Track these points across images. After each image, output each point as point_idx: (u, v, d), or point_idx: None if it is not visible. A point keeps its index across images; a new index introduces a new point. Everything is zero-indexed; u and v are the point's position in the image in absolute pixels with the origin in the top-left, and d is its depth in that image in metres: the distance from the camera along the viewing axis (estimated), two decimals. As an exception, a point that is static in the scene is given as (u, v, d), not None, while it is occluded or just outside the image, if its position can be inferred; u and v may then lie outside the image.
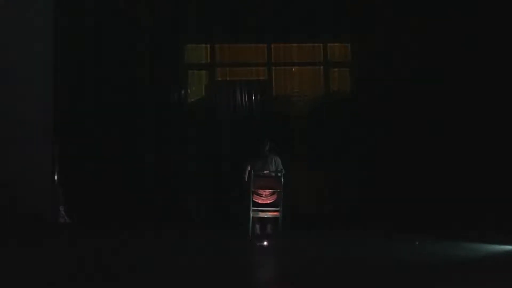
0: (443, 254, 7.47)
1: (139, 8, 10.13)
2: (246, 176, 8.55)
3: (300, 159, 10.05)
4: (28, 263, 6.94)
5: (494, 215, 8.77)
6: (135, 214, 9.54)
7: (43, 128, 9.35)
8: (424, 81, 9.79)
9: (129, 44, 10.08)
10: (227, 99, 10.46)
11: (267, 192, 8.53)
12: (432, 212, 9.24)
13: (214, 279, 6.33)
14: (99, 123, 9.84)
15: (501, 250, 7.62)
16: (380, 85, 10.09)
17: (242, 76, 10.77)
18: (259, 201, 8.47)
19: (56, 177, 9.58)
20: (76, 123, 9.81)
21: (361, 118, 10.11)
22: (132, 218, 9.41)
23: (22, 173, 8.95)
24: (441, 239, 8.28)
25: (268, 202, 8.50)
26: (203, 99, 10.59)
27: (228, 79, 10.68)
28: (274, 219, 8.45)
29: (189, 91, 10.53)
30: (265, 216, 8.49)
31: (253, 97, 10.47)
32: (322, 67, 10.63)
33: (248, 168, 8.55)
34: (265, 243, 8.31)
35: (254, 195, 8.44)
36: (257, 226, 8.61)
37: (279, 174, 8.46)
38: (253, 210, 8.35)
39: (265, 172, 8.61)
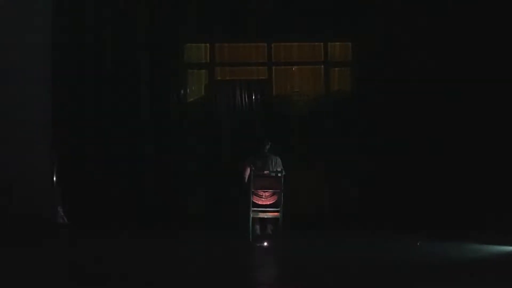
0: (443, 255, 7.48)
1: (139, 8, 10.11)
2: (246, 176, 8.53)
3: (300, 159, 10.02)
4: (24, 263, 6.94)
5: (495, 215, 8.75)
6: (135, 214, 9.54)
7: (42, 128, 9.32)
8: (425, 80, 9.76)
9: (128, 44, 10.05)
10: (227, 99, 10.44)
11: (267, 193, 8.51)
12: (433, 212, 9.22)
13: (214, 279, 6.33)
14: (99, 123, 9.82)
15: (502, 251, 7.60)
16: (381, 84, 10.06)
17: (242, 75, 10.74)
18: (259, 202, 8.46)
19: (55, 178, 9.56)
20: (75, 123, 9.78)
21: (361, 118, 10.08)
22: (132, 219, 9.41)
23: (21, 173, 8.93)
24: (442, 239, 8.27)
25: (268, 203, 8.49)
26: (202, 98, 10.57)
27: (228, 78, 10.65)
28: (274, 219, 8.44)
29: (188, 90, 10.51)
30: (265, 217, 8.48)
31: (253, 97, 10.45)
32: (322, 66, 10.60)
33: (249, 168, 8.52)
34: (265, 243, 8.31)
35: (254, 196, 8.42)
36: (257, 227, 8.60)
37: (279, 175, 8.44)
38: (253, 211, 8.33)
39: (265, 172, 8.59)
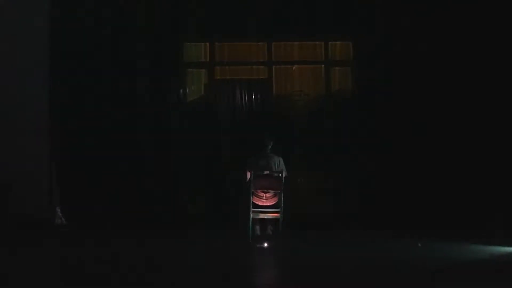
0: (444, 255, 7.46)
1: (139, 7, 10.10)
2: (247, 176, 8.51)
3: (300, 159, 10.00)
4: (23, 263, 6.95)
5: (495, 216, 8.74)
6: (134, 214, 9.52)
7: (41, 128, 9.32)
8: (425, 80, 9.74)
9: (128, 43, 10.04)
10: (227, 98, 10.42)
11: (268, 194, 8.48)
12: (433, 212, 9.20)
13: (214, 280, 6.32)
14: (98, 123, 9.80)
15: (503, 252, 7.59)
16: (381, 84, 10.04)
17: (242, 75, 10.72)
18: (259, 203, 8.44)
19: (53, 178, 9.55)
20: (75, 123, 9.76)
21: (361, 118, 10.06)
22: (131, 219, 9.39)
23: (20, 174, 8.93)
24: (442, 240, 8.25)
25: (269, 204, 8.46)
26: (202, 98, 10.56)
27: (228, 77, 10.63)
28: (275, 220, 8.42)
29: (188, 90, 10.49)
30: (265, 217, 8.46)
31: (253, 96, 10.43)
32: (323, 65, 10.58)
33: (250, 168, 8.50)
34: (265, 244, 8.29)
35: (254, 196, 8.40)
36: (257, 227, 8.58)
37: (280, 175, 8.42)
38: (253, 211, 8.32)
39: (266, 172, 8.57)
